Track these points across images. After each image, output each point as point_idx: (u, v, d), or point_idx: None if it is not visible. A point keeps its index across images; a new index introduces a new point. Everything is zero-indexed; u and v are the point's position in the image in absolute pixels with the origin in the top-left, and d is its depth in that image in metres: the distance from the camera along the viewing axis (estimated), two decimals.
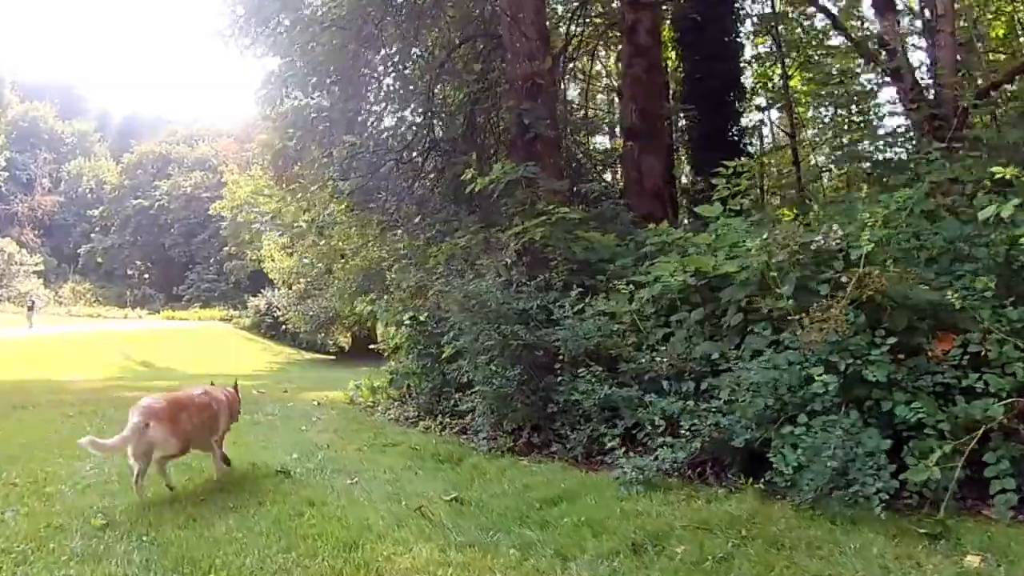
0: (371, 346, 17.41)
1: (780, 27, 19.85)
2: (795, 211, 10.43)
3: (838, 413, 4.84)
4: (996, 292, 5.07)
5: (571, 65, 17.90)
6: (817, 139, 22.65)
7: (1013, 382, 4.56)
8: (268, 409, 10.07)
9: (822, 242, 5.69)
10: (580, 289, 7.72)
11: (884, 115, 12.50)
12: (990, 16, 16.62)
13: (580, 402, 6.77)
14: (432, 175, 13.74)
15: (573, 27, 16.33)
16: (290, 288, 38.94)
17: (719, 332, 6.49)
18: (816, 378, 4.89)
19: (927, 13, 12.35)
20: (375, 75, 14.68)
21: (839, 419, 4.75)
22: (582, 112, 18.93)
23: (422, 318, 9.55)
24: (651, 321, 7.11)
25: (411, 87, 14.08)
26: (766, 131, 21.16)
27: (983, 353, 4.80)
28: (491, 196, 9.46)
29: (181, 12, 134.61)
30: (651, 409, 6.06)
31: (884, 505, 4.25)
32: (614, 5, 16.19)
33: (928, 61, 12.65)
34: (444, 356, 8.95)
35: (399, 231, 13.32)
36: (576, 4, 16.39)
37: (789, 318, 5.44)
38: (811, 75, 22.02)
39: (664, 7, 15.60)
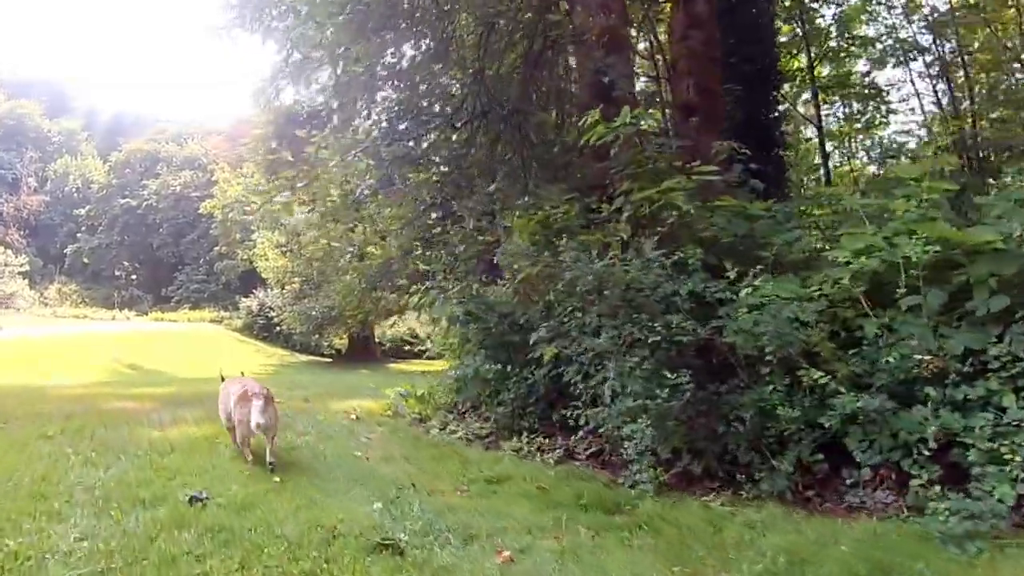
0: (410, 347, 15.79)
1: (804, 16, 18.85)
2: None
3: None
4: None
5: None
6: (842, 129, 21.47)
7: None
8: (299, 425, 8.50)
9: None
10: (734, 270, 6.21)
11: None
12: None
13: (776, 417, 5.20)
14: (486, 142, 11.85)
15: None
16: (283, 288, 37.21)
17: (965, 320, 4.89)
18: None
19: None
20: (415, 30, 12.68)
21: None
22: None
23: (499, 310, 7.97)
24: (851, 310, 5.51)
25: (455, 47, 12.21)
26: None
27: None
28: (569, 165, 7.94)
29: (170, 10, 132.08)
30: (914, 425, 4.51)
31: None
32: None
33: None
34: (545, 358, 7.35)
35: (455, 204, 11.36)
36: None
37: None
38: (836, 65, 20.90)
39: None
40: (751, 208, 7.27)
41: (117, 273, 65.81)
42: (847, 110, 21.40)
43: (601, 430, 6.74)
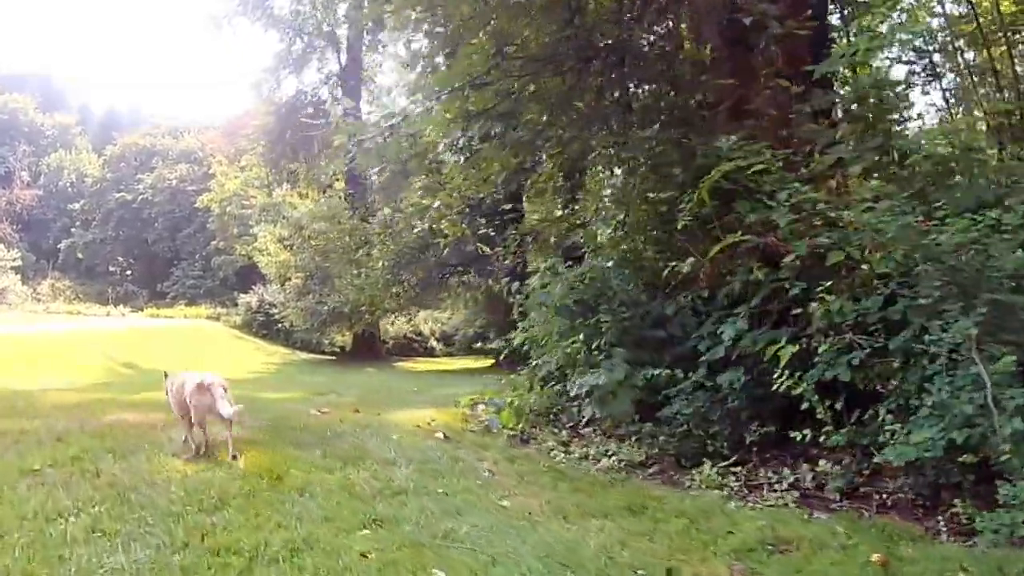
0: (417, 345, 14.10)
1: None
2: None
3: None
4: None
5: None
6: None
7: None
8: (378, 449, 6.50)
9: None
10: None
11: None
12: None
13: None
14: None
15: None
16: (284, 284, 35.35)
17: None
18: None
19: None
20: None
21: None
22: None
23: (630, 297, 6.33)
24: None
25: None
26: None
27: None
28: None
29: (164, 8, 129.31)
30: None
31: None
32: None
33: None
34: (782, 359, 5.76)
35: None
36: None
37: None
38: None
39: None
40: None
41: (111, 268, 63.87)
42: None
43: (908, 460, 4.94)
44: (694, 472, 6.03)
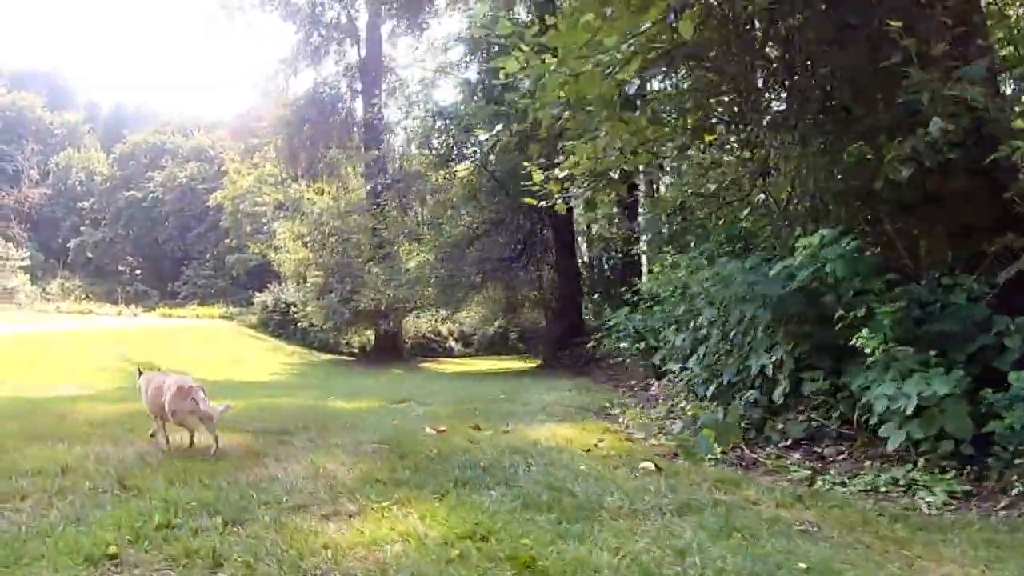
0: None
1: None
2: None
3: None
4: None
5: None
6: None
7: None
8: (585, 493, 4.34)
9: None
10: None
11: None
12: None
13: None
14: None
15: None
16: (303, 282, 33.68)
17: None
18: None
19: None
20: None
21: None
22: None
23: None
24: None
25: None
26: None
27: None
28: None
29: (171, 7, 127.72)
30: None
31: None
32: None
33: None
34: None
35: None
36: None
37: None
38: None
39: None
40: None
41: (121, 268, 62.32)
42: None
43: None
44: None
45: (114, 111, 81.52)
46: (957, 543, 3.64)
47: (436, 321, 37.77)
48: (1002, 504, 4.44)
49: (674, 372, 8.56)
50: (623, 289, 15.13)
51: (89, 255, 62.77)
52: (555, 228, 21.08)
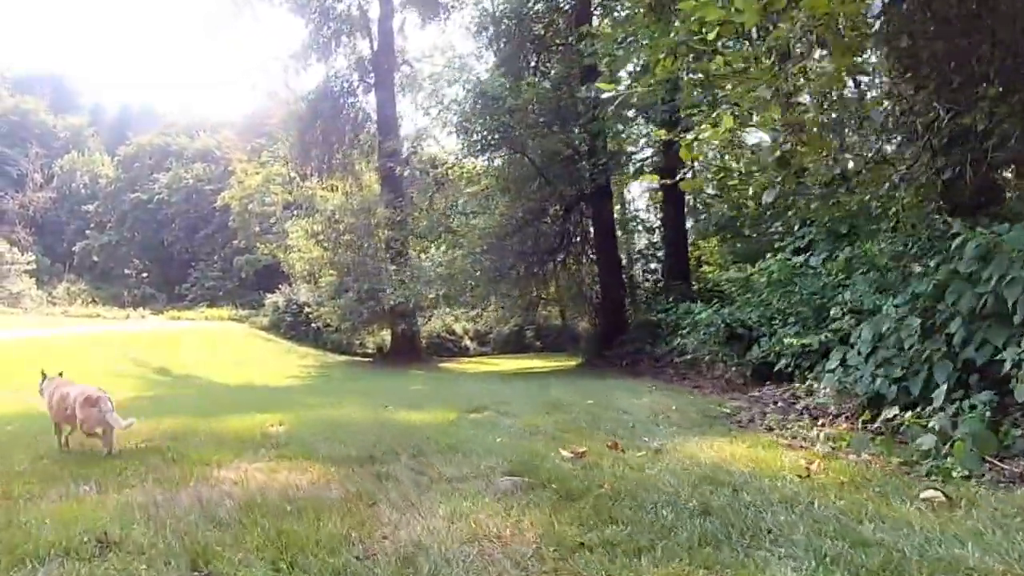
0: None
1: None
2: None
3: None
4: None
5: None
6: None
7: None
8: (868, 559, 2.86)
9: None
10: None
11: None
12: None
13: None
14: None
15: None
16: (314, 282, 32.44)
17: None
18: None
19: None
20: None
21: None
22: None
23: None
24: None
25: None
26: None
27: None
28: None
29: (174, 7, 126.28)
30: None
31: None
32: None
33: None
34: None
35: None
36: None
37: None
38: None
39: None
40: None
41: (127, 271, 60.89)
42: None
43: None
44: None
45: (118, 113, 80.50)
46: None
47: (454, 319, 36.54)
48: None
49: (796, 372, 7.34)
50: (677, 283, 13.89)
51: (95, 258, 61.64)
52: (596, 218, 19.88)
